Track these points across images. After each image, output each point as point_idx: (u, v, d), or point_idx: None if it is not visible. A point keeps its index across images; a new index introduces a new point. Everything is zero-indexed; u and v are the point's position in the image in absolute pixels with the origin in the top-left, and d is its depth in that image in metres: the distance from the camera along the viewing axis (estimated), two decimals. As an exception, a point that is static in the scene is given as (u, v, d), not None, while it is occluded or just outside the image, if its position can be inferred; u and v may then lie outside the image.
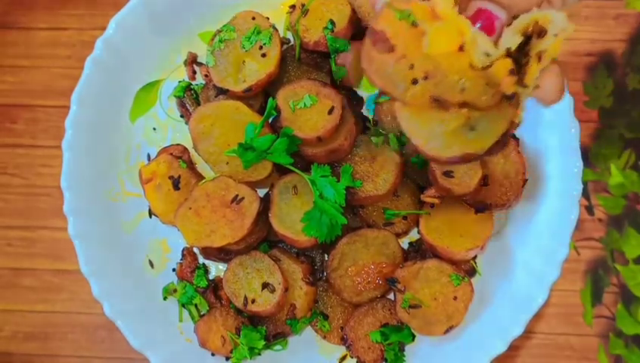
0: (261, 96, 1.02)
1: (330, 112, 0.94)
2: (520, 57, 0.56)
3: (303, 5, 1.01)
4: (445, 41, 0.54)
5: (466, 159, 0.57)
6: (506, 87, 0.55)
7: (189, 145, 1.03)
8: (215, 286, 1.03)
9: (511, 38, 0.55)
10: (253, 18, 1.00)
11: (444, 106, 0.55)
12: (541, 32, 0.54)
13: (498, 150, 0.57)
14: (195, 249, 1.05)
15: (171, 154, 1.02)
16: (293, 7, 1.05)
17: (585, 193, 1.03)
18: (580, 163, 0.95)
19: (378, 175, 0.97)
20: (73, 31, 1.16)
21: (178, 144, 1.06)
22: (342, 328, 1.00)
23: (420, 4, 0.55)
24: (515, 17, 0.56)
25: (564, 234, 0.94)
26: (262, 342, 0.97)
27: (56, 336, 1.08)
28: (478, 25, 0.55)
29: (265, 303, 0.95)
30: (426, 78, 0.55)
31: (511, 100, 0.55)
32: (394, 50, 0.55)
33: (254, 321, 1.00)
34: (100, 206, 1.03)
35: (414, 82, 0.55)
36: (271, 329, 0.99)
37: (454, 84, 0.55)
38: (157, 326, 1.00)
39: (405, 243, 1.03)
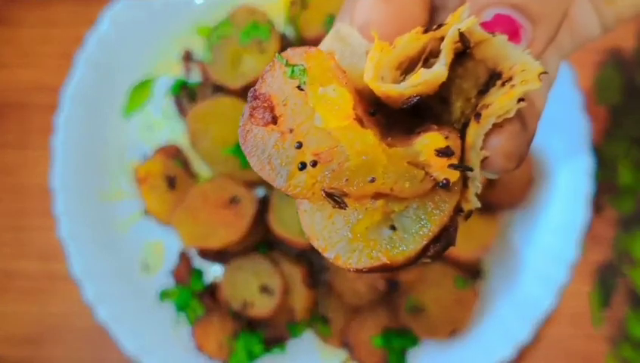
0: (259, 93, 1.01)
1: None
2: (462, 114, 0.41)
3: (303, -1, 1.01)
4: (337, 111, 0.39)
5: (384, 270, 0.41)
6: (436, 171, 0.39)
7: (185, 143, 1.03)
8: (213, 289, 1.02)
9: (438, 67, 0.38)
10: (251, 13, 0.99)
11: (341, 205, 0.40)
12: (506, 81, 0.39)
13: (436, 254, 0.41)
14: (191, 252, 1.04)
15: (166, 153, 1.02)
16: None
17: (594, 193, 1.03)
18: (591, 162, 0.95)
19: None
20: (65, 27, 1.15)
21: (173, 144, 1.05)
22: (343, 332, 0.99)
23: (326, 57, 0.41)
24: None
25: (574, 236, 0.94)
26: (261, 347, 0.97)
27: (50, 339, 1.07)
28: (498, 34, 0.40)
29: (263, 306, 0.95)
30: (316, 163, 0.39)
31: (446, 187, 0.40)
32: (277, 122, 0.40)
33: (252, 324, 1.00)
34: (93, 206, 1.02)
35: (302, 167, 0.40)
36: (270, 333, 0.99)
37: (358, 170, 0.39)
38: (152, 330, 0.99)
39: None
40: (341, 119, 0.39)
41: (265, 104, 0.41)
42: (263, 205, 0.97)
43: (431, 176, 0.39)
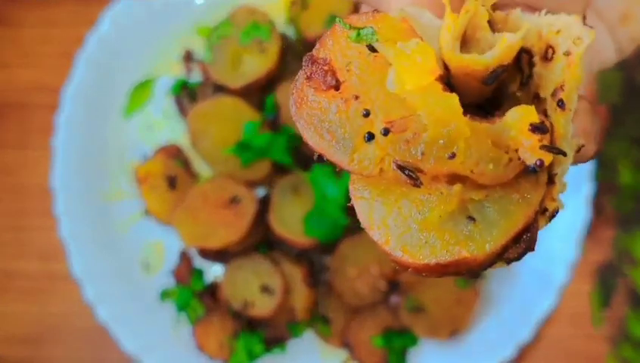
0: (260, 93, 1.01)
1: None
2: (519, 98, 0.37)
3: (304, -1, 1.01)
4: (419, 70, 0.33)
5: (457, 269, 0.36)
6: (527, 153, 0.34)
7: (185, 143, 1.03)
8: (213, 289, 1.02)
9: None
10: (252, 13, 0.99)
11: (416, 181, 0.34)
12: (547, 54, 0.35)
13: (514, 256, 0.36)
14: (191, 252, 1.04)
15: (167, 153, 1.02)
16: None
17: (594, 193, 1.02)
18: (590, 162, 0.94)
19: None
20: (65, 27, 1.14)
21: (173, 144, 1.05)
22: (343, 332, 0.98)
23: (397, 20, 0.36)
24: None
25: (574, 236, 0.94)
26: (261, 347, 0.97)
27: (50, 339, 1.07)
28: None
29: (264, 306, 0.94)
30: (388, 132, 0.34)
31: (536, 172, 0.35)
32: (340, 88, 0.36)
33: (253, 324, 0.99)
34: (93, 206, 1.02)
35: (369, 137, 0.35)
36: (270, 333, 0.99)
37: (436, 142, 0.34)
38: (153, 330, 0.99)
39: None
40: (423, 76, 0.33)
41: (326, 68, 0.36)
42: (263, 205, 0.97)
43: (519, 159, 0.34)
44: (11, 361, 1.07)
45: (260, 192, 1.00)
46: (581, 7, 0.39)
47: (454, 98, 0.33)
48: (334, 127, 0.36)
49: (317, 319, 0.99)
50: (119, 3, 1.02)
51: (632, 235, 0.99)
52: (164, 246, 1.04)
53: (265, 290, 0.95)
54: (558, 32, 0.34)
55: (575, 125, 0.36)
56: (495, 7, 0.36)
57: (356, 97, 0.35)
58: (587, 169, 0.94)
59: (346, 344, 0.98)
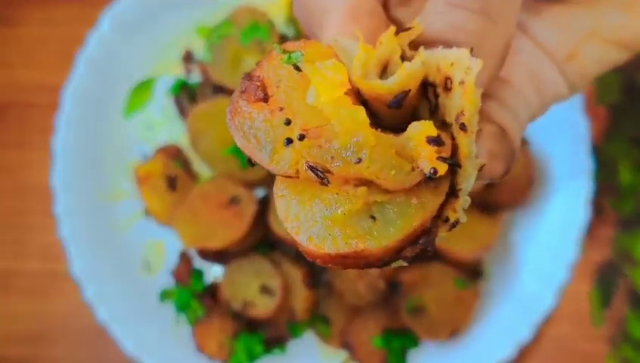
0: (260, 93, 1.01)
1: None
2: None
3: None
4: (331, 84, 0.39)
5: (354, 261, 0.40)
6: (425, 162, 0.38)
7: (185, 143, 1.03)
8: (213, 289, 1.02)
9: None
10: (251, 13, 0.99)
11: (323, 180, 0.39)
12: (447, 84, 0.39)
13: (412, 257, 0.40)
14: (191, 252, 1.03)
15: (167, 154, 1.02)
16: (293, 1, 1.04)
17: (594, 193, 1.02)
18: (590, 162, 0.95)
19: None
20: (65, 27, 1.14)
21: (173, 144, 1.05)
22: (343, 332, 0.98)
23: (323, 46, 0.41)
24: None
25: (574, 235, 0.94)
26: (261, 347, 0.97)
27: (50, 338, 1.07)
28: None
29: (264, 307, 0.94)
30: (303, 137, 0.39)
31: (434, 181, 0.39)
32: (268, 100, 0.41)
33: (253, 325, 0.99)
34: (93, 206, 1.02)
35: (288, 142, 0.40)
36: (270, 333, 0.99)
37: (346, 149, 0.39)
38: (153, 330, 0.99)
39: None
40: (335, 88, 0.39)
41: (258, 83, 0.41)
42: (263, 205, 0.96)
43: (418, 168, 0.39)
44: (11, 360, 1.07)
45: (260, 192, 1.00)
46: (503, 42, 0.41)
47: (361, 111, 0.38)
48: (260, 133, 0.41)
49: (317, 319, 0.99)
50: (119, 3, 1.02)
51: (632, 235, 0.99)
52: (164, 246, 1.03)
53: (265, 290, 0.95)
54: (452, 64, 0.38)
55: (483, 147, 0.41)
56: (416, 46, 0.41)
57: (281, 109, 0.41)
58: (587, 168, 0.94)
59: (346, 344, 0.98)
